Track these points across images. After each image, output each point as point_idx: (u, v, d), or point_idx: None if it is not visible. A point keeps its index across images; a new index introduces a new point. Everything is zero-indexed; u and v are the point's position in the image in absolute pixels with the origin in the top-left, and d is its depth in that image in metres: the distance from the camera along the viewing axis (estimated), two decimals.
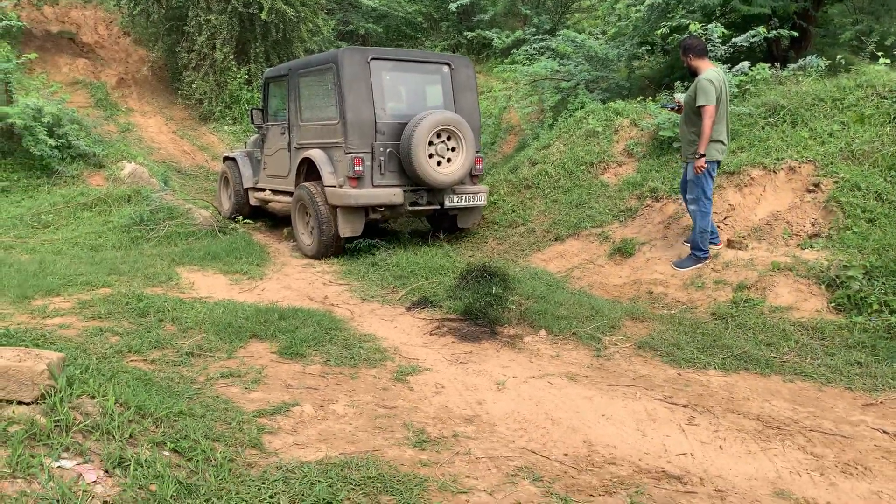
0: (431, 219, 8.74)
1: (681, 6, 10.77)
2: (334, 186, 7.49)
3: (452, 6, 16.64)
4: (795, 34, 9.82)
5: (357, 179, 7.36)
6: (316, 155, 7.76)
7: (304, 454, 3.16)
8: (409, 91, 8.06)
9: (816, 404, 4.03)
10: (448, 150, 7.54)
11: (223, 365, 4.40)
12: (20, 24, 12.40)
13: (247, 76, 14.32)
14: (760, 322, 5.22)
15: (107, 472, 2.50)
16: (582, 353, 4.89)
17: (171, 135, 13.56)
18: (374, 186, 7.46)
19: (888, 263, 5.49)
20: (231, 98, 14.18)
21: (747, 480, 3.16)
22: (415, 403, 3.98)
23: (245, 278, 6.85)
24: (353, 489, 2.83)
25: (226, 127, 14.00)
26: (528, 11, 16.88)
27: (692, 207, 6.36)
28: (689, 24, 9.03)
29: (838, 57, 9.21)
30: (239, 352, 4.69)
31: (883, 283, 5.30)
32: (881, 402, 4.03)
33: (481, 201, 8.08)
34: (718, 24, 8.85)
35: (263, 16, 13.48)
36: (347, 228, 7.51)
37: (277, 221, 10.00)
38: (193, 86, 14.11)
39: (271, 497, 2.67)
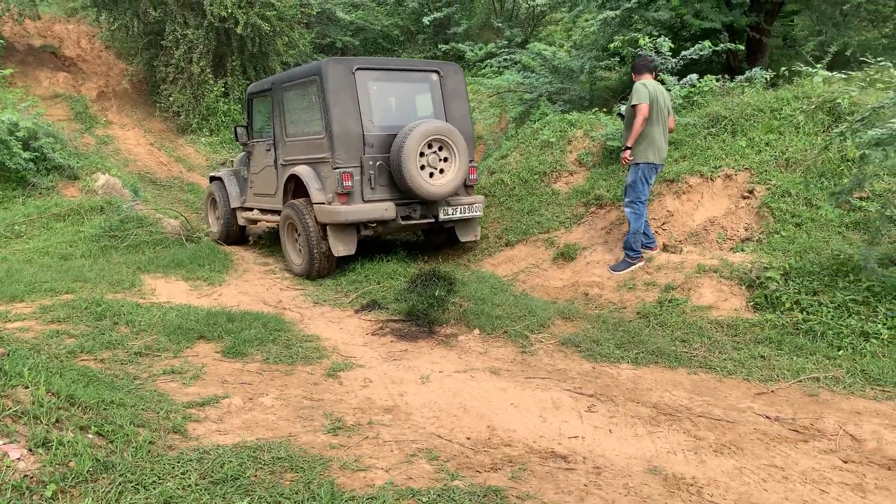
0: (427, 232, 8.55)
1: (642, 20, 11.19)
2: (323, 203, 7.24)
3: (426, 20, 17.06)
4: (741, 47, 10.19)
5: (346, 195, 7.12)
6: (303, 171, 7.53)
7: (224, 439, 3.48)
8: (397, 101, 7.83)
9: (713, 394, 4.37)
10: (440, 160, 7.32)
11: (168, 363, 4.71)
12: (0, 40, 12.73)
13: (223, 89, 14.66)
14: (680, 320, 5.56)
15: (31, 450, 2.80)
16: (509, 350, 5.22)
17: (148, 146, 13.88)
18: (365, 202, 7.22)
19: (806, 265, 5.84)
20: (208, 110, 14.51)
21: (626, 459, 3.50)
22: (341, 396, 4.30)
23: (205, 284, 7.16)
24: (261, 468, 3.15)
25: (202, 139, 14.33)
26: (500, 24, 17.31)
27: (627, 210, 6.71)
28: (639, 37, 9.41)
29: (782, 69, 9.60)
30: (185, 351, 5.00)
31: (797, 283, 5.64)
32: (772, 392, 4.37)
33: (477, 212, 7.86)
34: (666, 38, 9.22)
35: (239, 30, 13.82)
36: (340, 247, 7.28)
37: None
38: (171, 98, 14.44)
39: (182, 473, 2.99)
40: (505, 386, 4.47)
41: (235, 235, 9.62)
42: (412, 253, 8.35)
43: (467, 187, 8.00)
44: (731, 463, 3.46)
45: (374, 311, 6.26)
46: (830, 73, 8.44)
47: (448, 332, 5.63)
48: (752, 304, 5.71)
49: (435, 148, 7.26)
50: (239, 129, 9.02)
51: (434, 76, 7.84)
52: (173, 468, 3.02)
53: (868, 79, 8.09)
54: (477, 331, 5.59)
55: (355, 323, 5.97)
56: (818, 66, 9.09)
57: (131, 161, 13.02)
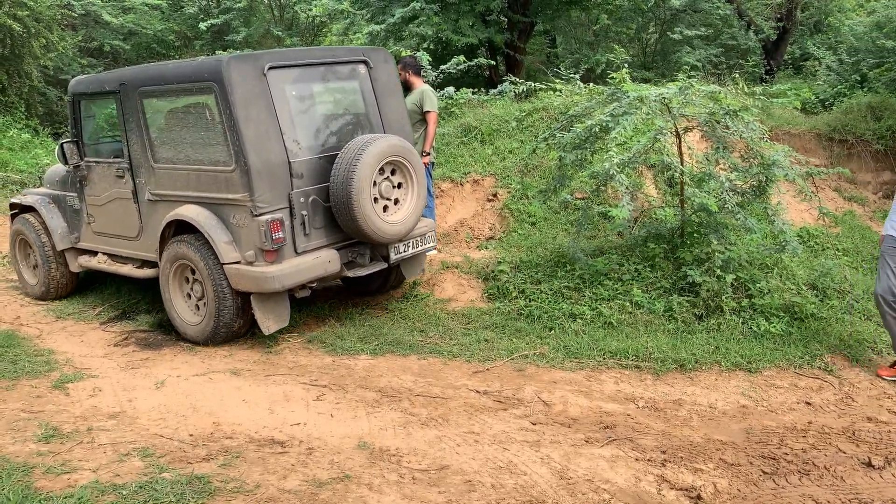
0: (351, 279, 5.88)
1: (411, 34, 11.77)
2: (239, 263, 5.15)
3: (203, 25, 16.66)
4: (492, 62, 11.08)
5: (276, 251, 5.11)
6: (196, 217, 5.28)
7: None
8: (323, 109, 5.80)
9: (436, 375, 4.80)
10: (393, 187, 5.52)
11: None
12: None
13: None
14: (421, 313, 5.99)
15: None
16: (255, 351, 5.34)
17: None
18: (299, 254, 5.24)
19: (534, 258, 6.52)
20: None
21: (340, 439, 3.79)
22: (65, 407, 4.21)
23: None
24: None
25: None
26: (280, 33, 17.32)
27: None
28: (401, 51, 9.94)
29: (529, 83, 10.56)
30: None
31: (524, 275, 6.30)
32: (488, 370, 4.88)
33: (432, 242, 6.12)
34: (424, 52, 9.84)
35: None
36: (271, 321, 5.24)
37: None
38: None
39: None
40: (241, 385, 4.60)
41: (67, 287, 6.88)
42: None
43: None
44: (434, 433, 3.87)
45: (121, 322, 6.11)
46: (563, 87, 9.48)
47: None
48: (486, 294, 6.28)
49: (387, 173, 5.46)
50: (67, 147, 6.25)
51: (362, 68, 5.86)
52: None
53: (588, 90, 9.16)
54: None
55: (98, 335, 5.80)
56: (558, 80, 10.15)
57: None
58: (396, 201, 5.56)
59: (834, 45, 13.19)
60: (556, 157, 5.77)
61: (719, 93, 5.48)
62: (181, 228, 5.51)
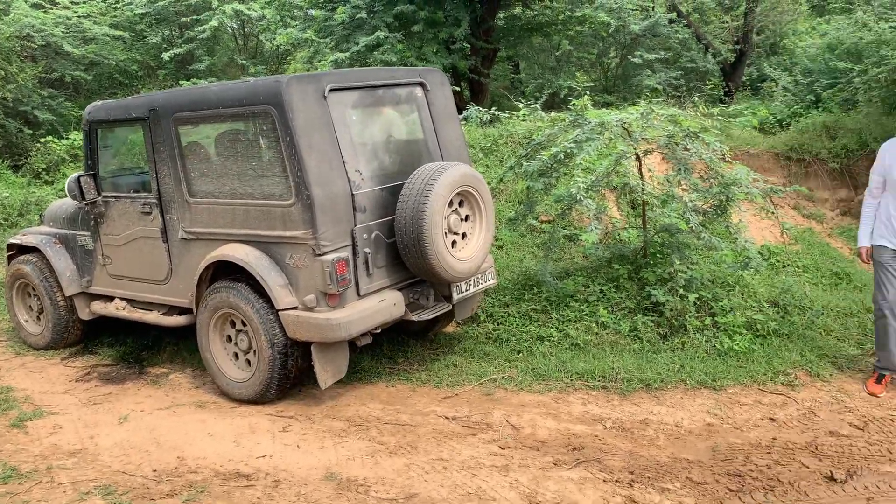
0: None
1: (376, 61, 11.84)
2: (296, 309, 4.62)
3: (166, 56, 16.58)
4: (457, 88, 11.19)
5: (339, 294, 4.60)
6: (246, 257, 4.71)
7: None
8: (383, 135, 5.30)
9: (404, 402, 4.78)
10: (461, 220, 5.08)
11: None
12: None
13: None
14: (389, 338, 5.95)
15: None
16: None
17: None
18: (362, 296, 4.75)
19: (502, 282, 6.54)
20: None
21: (307, 470, 3.75)
22: (23, 446, 4.12)
23: None
24: None
25: None
26: (244, 62, 17.32)
27: None
28: None
29: (492, 109, 10.67)
30: None
31: (492, 298, 6.32)
32: (457, 395, 4.87)
33: (492, 280, 5.64)
34: None
35: None
36: (329, 374, 4.69)
37: None
38: None
39: None
40: (206, 417, 4.54)
41: (77, 336, 6.26)
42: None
43: None
44: (402, 461, 3.84)
45: (83, 356, 6.00)
46: (526, 114, 9.61)
47: (160, 372, 5.56)
48: (456, 319, 6.28)
49: (455, 204, 5.02)
50: (84, 180, 5.58)
51: (419, 91, 5.41)
52: None
53: (550, 118, 9.28)
54: (190, 369, 5.58)
55: (59, 371, 5.68)
56: (524, 106, 10.26)
57: None
58: (464, 235, 5.12)
59: (789, 67, 13.53)
60: (525, 186, 5.82)
61: (679, 115, 5.60)
62: (221, 271, 5.01)
